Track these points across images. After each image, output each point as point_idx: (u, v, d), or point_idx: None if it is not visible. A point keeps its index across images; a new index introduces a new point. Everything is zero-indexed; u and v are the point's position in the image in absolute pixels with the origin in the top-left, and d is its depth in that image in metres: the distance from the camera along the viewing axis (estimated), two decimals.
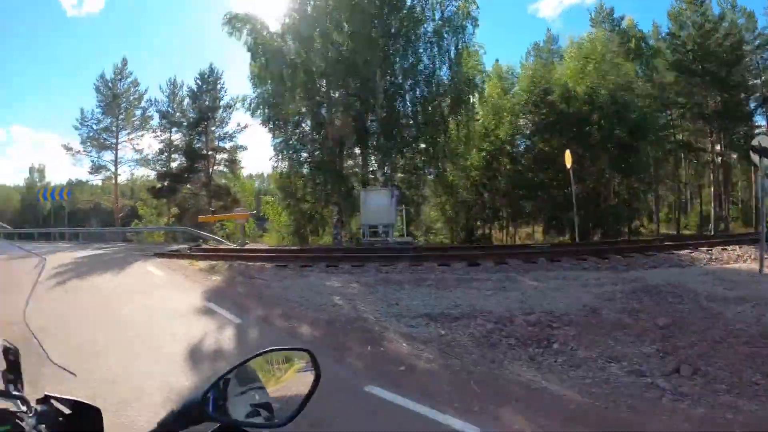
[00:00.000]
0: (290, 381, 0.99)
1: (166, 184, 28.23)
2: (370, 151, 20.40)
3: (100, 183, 34.16)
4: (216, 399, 0.87)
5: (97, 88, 29.99)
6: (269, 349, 0.98)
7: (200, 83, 29.45)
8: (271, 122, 20.68)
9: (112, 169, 30.34)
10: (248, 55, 19.85)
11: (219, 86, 29.44)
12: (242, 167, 31.38)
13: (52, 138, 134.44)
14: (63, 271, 10.80)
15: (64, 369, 1.54)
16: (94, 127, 29.96)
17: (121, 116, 29.79)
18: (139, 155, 30.44)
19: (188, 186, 27.95)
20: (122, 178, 31.61)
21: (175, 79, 30.49)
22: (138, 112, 30.58)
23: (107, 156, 30.47)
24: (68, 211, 26.89)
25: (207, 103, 28.59)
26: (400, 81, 20.43)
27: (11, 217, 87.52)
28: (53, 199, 27.03)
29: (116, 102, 29.78)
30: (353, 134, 19.80)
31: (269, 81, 19.68)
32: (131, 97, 30.33)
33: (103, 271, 10.77)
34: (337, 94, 20.26)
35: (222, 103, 29.19)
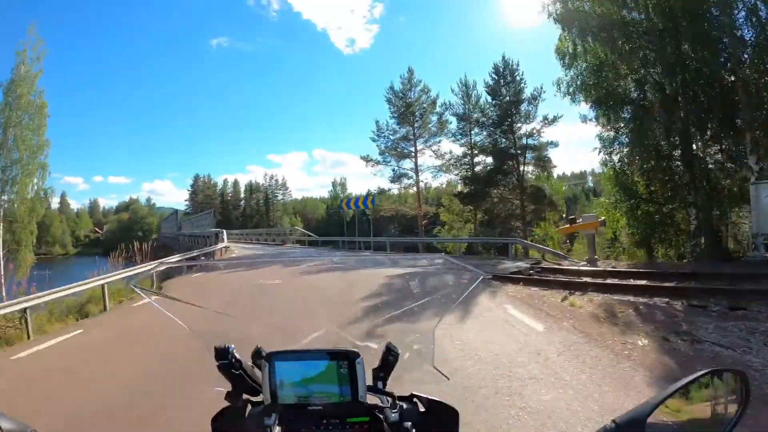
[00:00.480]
0: (715, 403, 0.96)
1: (472, 188, 27.14)
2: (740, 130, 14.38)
3: (400, 191, 35.89)
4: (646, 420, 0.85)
5: (389, 99, 31.31)
6: (706, 371, 0.95)
7: (496, 77, 27.46)
8: (596, 105, 17.03)
9: (413, 176, 30.69)
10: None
11: (518, 77, 26.92)
12: (554, 166, 28.12)
13: (347, 157, 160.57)
14: (386, 301, 8.65)
15: (439, 371, 1.31)
16: (391, 137, 31.17)
17: (416, 124, 29.97)
18: (440, 160, 30.52)
19: (496, 190, 26.03)
20: (423, 185, 32.41)
21: (466, 79, 29.22)
22: (433, 118, 30.50)
23: (407, 164, 31.38)
24: (372, 218, 28.29)
25: (507, 98, 26.29)
26: None
27: (316, 225, 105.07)
28: (357, 207, 29.73)
29: (410, 111, 30.54)
30: (717, 108, 14.39)
31: (586, 55, 16.37)
32: (424, 105, 30.29)
33: (442, 308, 8.69)
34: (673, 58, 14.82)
35: (524, 96, 26.69)
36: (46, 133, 15.80)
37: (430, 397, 1.18)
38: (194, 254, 19.48)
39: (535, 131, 26.41)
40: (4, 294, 14.35)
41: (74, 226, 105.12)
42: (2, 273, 15.09)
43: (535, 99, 26.13)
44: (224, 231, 31.77)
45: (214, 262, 19.34)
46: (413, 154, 30.87)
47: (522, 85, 26.90)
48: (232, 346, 1.21)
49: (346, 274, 11.64)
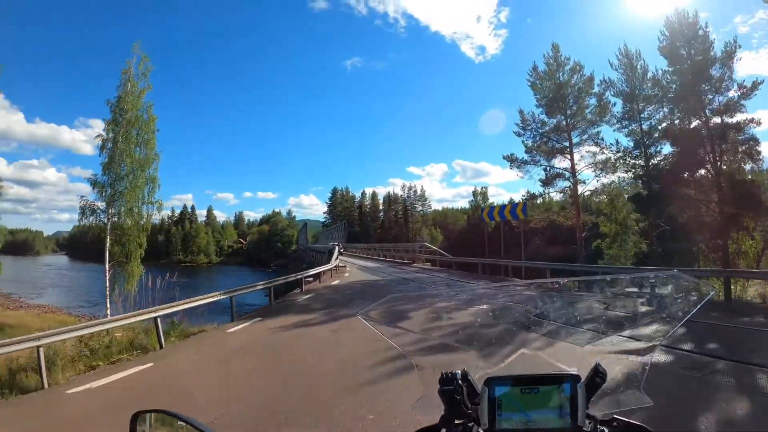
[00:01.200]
0: None
1: (648, 189, 20.54)
2: None
3: (549, 197, 27.60)
4: None
5: (533, 84, 25.67)
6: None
7: (669, 36, 19.83)
8: None
9: (568, 176, 24.78)
10: None
11: (701, 31, 19.18)
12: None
13: (487, 166, 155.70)
14: None
15: (644, 395, 1.32)
16: (539, 130, 25.45)
17: (569, 111, 24.12)
18: (603, 154, 23.79)
19: (684, 189, 18.93)
20: (583, 187, 25.08)
21: (626, 48, 22.51)
22: (591, 101, 24.04)
23: (561, 163, 25.37)
24: (522, 230, 22.91)
25: (690, 61, 18.94)
26: None
27: (457, 237, 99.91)
28: (502, 217, 26.20)
29: (561, 94, 24.45)
30: None
31: None
32: (577, 86, 24.28)
33: None
34: None
35: (714, 55, 18.80)
36: (156, 148, 15.98)
37: (628, 421, 1.18)
38: (287, 279, 18.29)
39: (734, 106, 18.41)
40: (108, 307, 14.47)
41: (219, 237, 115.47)
42: (107, 285, 15.17)
43: (730, 58, 18.32)
44: (337, 247, 29.92)
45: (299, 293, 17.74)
46: (567, 149, 24.67)
47: (711, 42, 19.02)
48: (459, 372, 1.22)
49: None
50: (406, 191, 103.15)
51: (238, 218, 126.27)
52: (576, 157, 24.48)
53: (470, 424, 1.18)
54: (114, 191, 15.13)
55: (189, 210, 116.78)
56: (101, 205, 15.28)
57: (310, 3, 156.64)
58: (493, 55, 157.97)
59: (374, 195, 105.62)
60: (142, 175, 15.39)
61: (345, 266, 29.42)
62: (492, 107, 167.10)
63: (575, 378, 1.15)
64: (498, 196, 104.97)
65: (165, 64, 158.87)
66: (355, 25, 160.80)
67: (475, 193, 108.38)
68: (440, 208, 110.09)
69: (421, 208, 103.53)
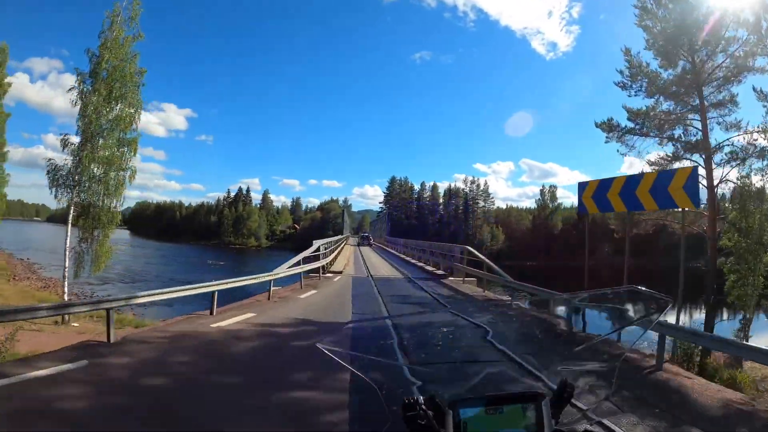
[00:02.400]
0: None
1: None
2: None
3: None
4: None
5: (640, 15, 17.74)
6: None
7: None
8: None
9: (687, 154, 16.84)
10: None
11: None
12: None
13: (556, 167, 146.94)
14: None
15: (615, 405, 2.04)
16: (658, 83, 17.56)
17: (698, 56, 16.29)
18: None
19: None
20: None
21: None
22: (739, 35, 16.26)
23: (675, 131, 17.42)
24: (586, 228, 15.79)
25: None
26: None
27: (521, 238, 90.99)
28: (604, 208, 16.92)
29: (689, 23, 16.79)
30: None
31: None
32: (709, 14, 16.43)
33: None
34: None
35: None
36: (141, 106, 13.30)
37: None
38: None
39: None
40: (65, 290, 12.46)
41: (273, 221, 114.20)
42: (66, 263, 12.48)
43: None
44: (316, 244, 19.93)
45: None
46: (696, 114, 16.85)
47: None
48: (422, 398, 1.22)
49: None
50: (468, 185, 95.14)
51: (295, 203, 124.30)
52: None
53: None
54: (82, 153, 12.54)
55: (244, 192, 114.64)
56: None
57: None
58: (564, 52, 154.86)
59: (434, 187, 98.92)
60: (112, 135, 12.86)
61: (337, 278, 19.85)
62: (564, 106, 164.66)
63: (540, 395, 1.16)
64: (565, 199, 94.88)
65: (241, 51, 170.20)
66: (425, 17, 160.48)
67: (542, 192, 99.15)
68: (504, 206, 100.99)
69: (483, 204, 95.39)
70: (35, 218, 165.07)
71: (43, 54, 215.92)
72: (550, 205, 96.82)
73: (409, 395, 1.21)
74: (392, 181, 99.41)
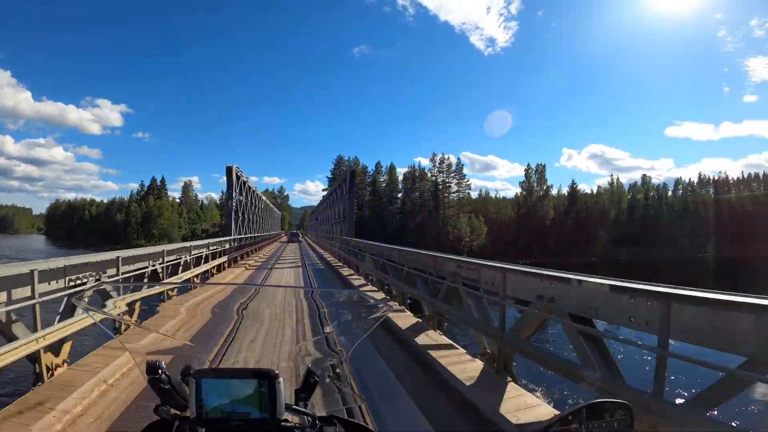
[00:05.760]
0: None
1: None
2: None
3: None
4: None
5: None
6: (593, 401, 1.09)
7: None
8: None
9: None
10: None
11: None
12: None
13: (497, 160, 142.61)
14: None
15: (356, 394, 2.07)
16: None
17: None
18: None
19: None
20: None
21: None
22: None
23: None
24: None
25: None
26: None
27: (503, 230, 72.65)
28: None
29: None
30: None
31: None
32: None
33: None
34: None
35: None
36: None
37: (349, 419, 1.31)
38: None
39: None
40: None
41: (196, 218, 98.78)
42: None
43: None
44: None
45: None
46: None
47: None
48: (163, 362, 1.28)
49: None
50: (437, 165, 73.89)
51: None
52: None
53: (183, 414, 1.27)
54: None
55: (159, 184, 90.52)
56: None
57: None
58: (503, 48, 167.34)
59: (392, 169, 77.47)
60: None
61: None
62: (500, 100, 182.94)
63: (274, 375, 1.21)
64: (505, 191, 78.19)
65: (178, 46, 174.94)
66: (363, 11, 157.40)
67: (527, 174, 79.11)
68: (475, 195, 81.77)
69: (456, 189, 74.46)
70: None
71: None
72: (538, 189, 77.16)
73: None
74: (338, 161, 77.59)
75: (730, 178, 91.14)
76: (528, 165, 79.13)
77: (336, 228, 34.95)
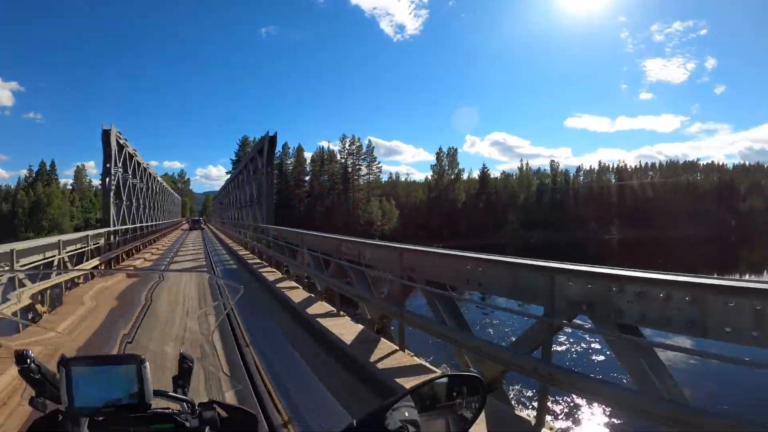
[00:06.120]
0: (454, 406, 1.08)
1: None
2: None
3: None
4: (386, 420, 0.96)
5: None
6: (441, 374, 1.13)
7: None
8: None
9: None
10: None
11: None
12: None
13: (402, 145, 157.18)
14: None
15: (231, 378, 1.74)
16: None
17: None
18: None
19: None
20: None
21: None
22: None
23: None
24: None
25: None
26: None
27: (414, 214, 72.47)
28: None
29: None
30: None
31: None
32: None
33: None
34: None
35: None
36: None
37: (230, 404, 1.27)
38: None
39: None
40: None
41: (90, 207, 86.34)
42: None
43: None
44: None
45: None
46: None
47: None
48: (31, 351, 1.23)
49: None
50: (347, 146, 72.11)
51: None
52: None
53: (59, 406, 1.23)
54: None
55: (48, 169, 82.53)
56: None
57: None
58: (412, 35, 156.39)
59: (300, 150, 74.18)
60: None
61: None
62: (408, 87, 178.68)
63: (140, 360, 1.16)
64: (411, 176, 79.52)
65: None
66: None
67: (438, 157, 79.05)
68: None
69: (366, 171, 73.20)
70: None
71: None
72: (450, 173, 77.36)
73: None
74: (244, 142, 73.27)
75: (628, 167, 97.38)
76: (440, 148, 79.31)
77: (248, 212, 27.89)
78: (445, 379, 1.08)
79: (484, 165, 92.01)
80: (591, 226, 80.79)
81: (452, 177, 77.25)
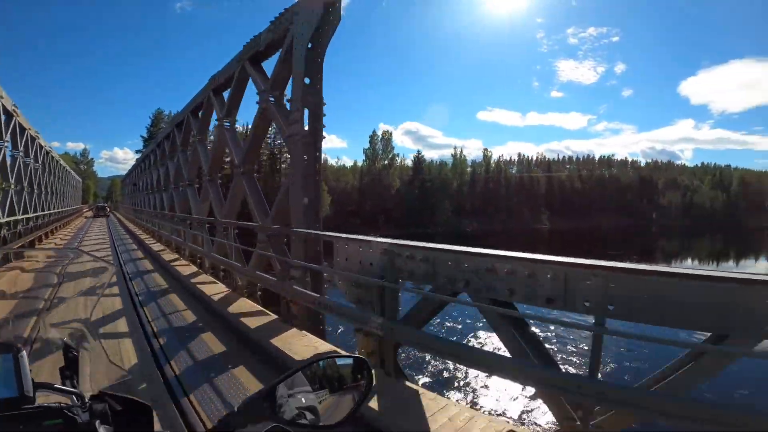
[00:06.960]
0: (343, 387, 1.06)
1: None
2: None
3: None
4: (273, 400, 0.94)
5: None
6: (327, 355, 1.14)
7: None
8: None
9: None
10: None
11: None
12: None
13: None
14: None
15: (120, 368, 1.64)
16: None
17: None
18: None
19: None
20: None
21: None
22: None
23: None
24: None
25: None
26: None
27: (346, 199, 69.60)
28: None
29: None
30: None
31: None
32: None
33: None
34: None
35: None
36: None
37: (122, 395, 1.13)
38: None
39: None
40: None
41: None
42: None
43: None
44: None
45: None
46: None
47: None
48: None
49: None
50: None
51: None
52: None
53: None
54: None
55: None
56: None
57: None
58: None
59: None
60: None
61: None
62: (329, 73, 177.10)
63: (16, 348, 1.09)
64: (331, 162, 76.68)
65: None
66: None
67: (372, 140, 76.35)
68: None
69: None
70: None
71: None
72: (383, 157, 74.62)
73: None
74: (157, 117, 66.10)
75: (546, 158, 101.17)
76: (374, 131, 76.79)
77: (172, 199, 17.43)
78: (332, 360, 1.08)
79: (419, 151, 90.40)
80: (525, 216, 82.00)
81: (386, 162, 74.70)
